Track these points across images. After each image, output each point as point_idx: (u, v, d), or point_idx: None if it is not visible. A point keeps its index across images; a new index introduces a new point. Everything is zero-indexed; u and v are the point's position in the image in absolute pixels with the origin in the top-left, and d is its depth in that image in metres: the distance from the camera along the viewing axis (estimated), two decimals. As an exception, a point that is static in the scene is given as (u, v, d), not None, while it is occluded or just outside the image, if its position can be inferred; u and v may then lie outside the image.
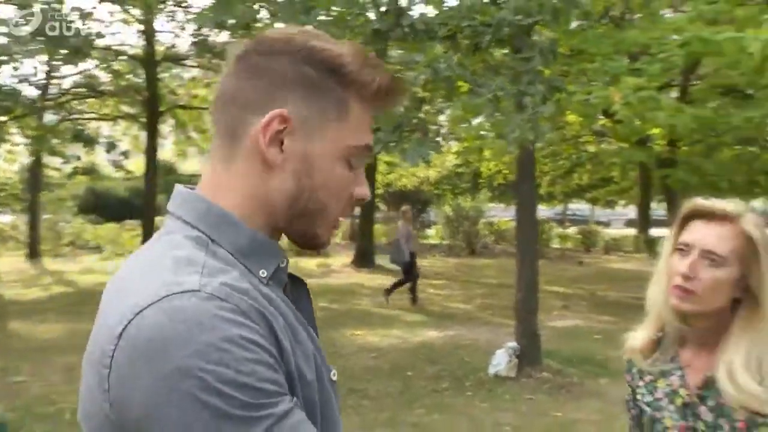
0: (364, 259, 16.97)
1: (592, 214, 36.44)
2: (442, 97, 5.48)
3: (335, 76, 0.81)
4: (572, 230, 24.28)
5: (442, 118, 18.54)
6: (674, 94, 12.67)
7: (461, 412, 5.17)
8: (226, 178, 0.82)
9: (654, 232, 20.08)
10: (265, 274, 0.81)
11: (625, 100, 8.00)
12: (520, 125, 4.11)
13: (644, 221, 20.71)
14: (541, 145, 17.97)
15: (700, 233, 1.36)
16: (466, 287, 13.03)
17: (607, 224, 34.19)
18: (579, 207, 38.07)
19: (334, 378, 0.88)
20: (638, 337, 1.50)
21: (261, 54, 0.82)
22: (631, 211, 30.96)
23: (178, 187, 0.87)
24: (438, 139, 4.81)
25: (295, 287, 0.91)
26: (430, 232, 25.34)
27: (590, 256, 20.60)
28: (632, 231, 23.64)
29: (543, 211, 33.70)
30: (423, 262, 18.56)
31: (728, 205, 1.38)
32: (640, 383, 1.50)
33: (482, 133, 9.58)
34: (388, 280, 14.38)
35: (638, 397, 1.50)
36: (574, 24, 8.66)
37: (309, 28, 0.89)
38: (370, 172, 17.15)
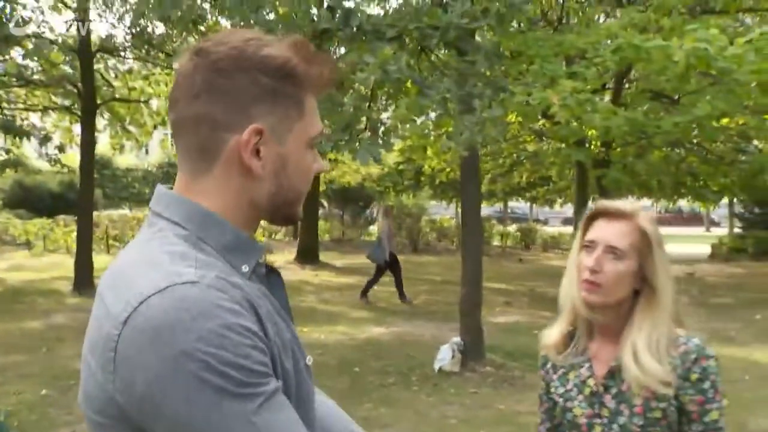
0: (308, 256, 16.91)
1: (532, 213, 37.48)
2: (388, 96, 5.55)
3: (290, 80, 0.89)
4: (512, 228, 24.90)
5: (385, 115, 18.67)
6: (608, 97, 13.19)
7: (408, 406, 5.28)
8: (204, 186, 0.89)
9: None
10: (246, 269, 0.88)
11: (562, 102, 8.32)
12: (469, 127, 4.24)
13: (580, 219, 21.44)
14: (482, 144, 18.37)
15: (603, 231, 1.49)
16: (410, 284, 13.15)
17: (545, 222, 35.26)
18: (519, 205, 39.07)
19: (309, 363, 0.95)
20: (552, 333, 1.61)
21: (218, 73, 0.86)
22: (569, 210, 31.99)
23: (161, 189, 0.93)
24: (389, 137, 4.85)
25: (270, 277, 0.98)
26: (373, 229, 25.46)
27: (530, 254, 21.21)
28: (569, 229, 24.42)
29: (484, 208, 34.41)
30: (365, 259, 18.73)
31: (626, 204, 1.52)
32: (554, 377, 1.61)
33: (426, 131, 9.73)
34: (334, 277, 14.41)
35: (551, 390, 1.61)
36: (513, 27, 8.92)
37: (248, 31, 0.94)
38: (314, 169, 17.16)
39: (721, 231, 26.87)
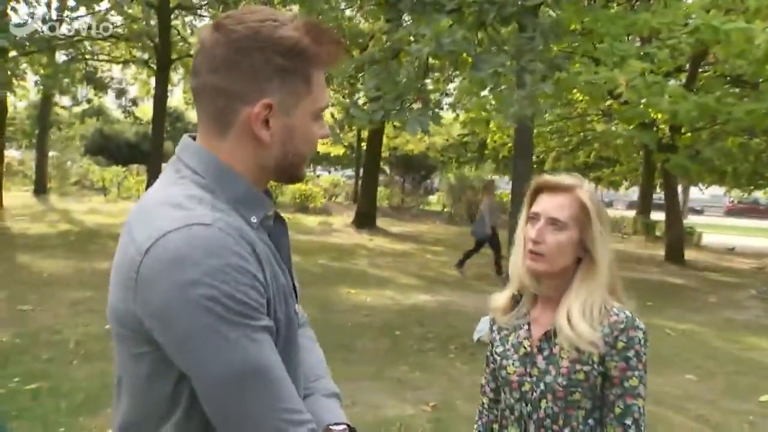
0: (365, 221, 17.17)
1: (596, 194, 36.60)
2: (454, 68, 5.59)
3: (300, 57, 1.00)
4: (572, 208, 24.38)
5: (451, 86, 18.53)
6: (683, 80, 12.70)
7: (442, 372, 5.45)
8: (220, 146, 1.02)
9: (655, 216, 20.27)
10: (255, 220, 1.02)
11: (630, 83, 8.12)
12: (519, 101, 4.27)
13: (645, 204, 20.86)
14: (549, 121, 18.05)
15: (546, 204, 1.57)
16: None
17: (609, 205, 34.38)
18: (583, 185, 38.09)
19: (297, 310, 1.11)
20: (500, 297, 1.72)
21: (235, 50, 0.98)
22: (635, 193, 31.05)
23: (187, 138, 1.07)
24: (438, 110, 4.92)
25: (277, 224, 1.12)
26: (432, 198, 25.54)
27: (587, 234, 20.84)
28: (632, 213, 23.78)
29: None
30: (422, 228, 18.89)
31: (567, 178, 1.59)
32: (497, 337, 1.71)
33: (488, 105, 9.70)
34: (388, 243, 14.67)
35: (493, 349, 1.72)
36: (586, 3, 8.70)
37: (265, 10, 1.04)
38: (377, 135, 17.22)
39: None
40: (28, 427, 3.84)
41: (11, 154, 26.01)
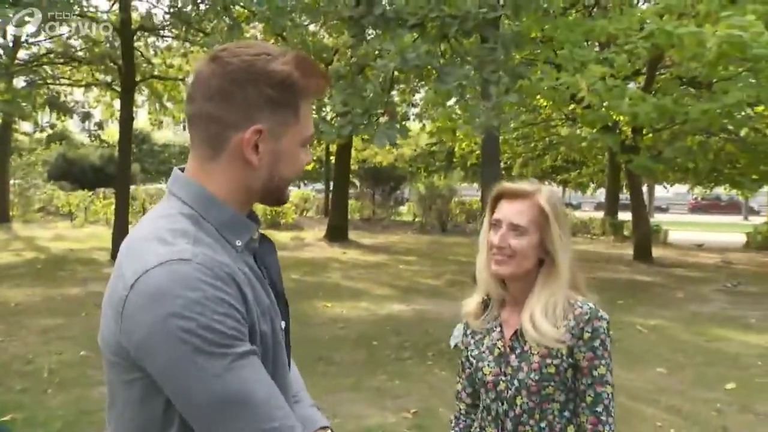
0: (337, 234, 17.18)
1: (563, 197, 37.18)
2: (417, 78, 5.70)
3: (290, 90, 1.08)
4: (541, 212, 24.72)
5: (417, 96, 18.69)
6: (642, 83, 13.05)
7: (421, 380, 5.51)
8: (211, 173, 1.09)
9: (622, 215, 20.69)
10: (240, 244, 1.09)
11: (591, 87, 8.34)
12: (485, 112, 4.38)
13: (612, 205, 21.29)
14: (515, 128, 18.34)
15: (506, 210, 1.65)
16: (436, 264, 13.39)
17: (577, 207, 34.96)
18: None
19: (283, 327, 1.16)
20: (470, 302, 1.78)
21: (230, 82, 1.05)
22: (602, 195, 31.60)
23: (176, 171, 1.14)
24: (404, 122, 5.01)
25: (263, 244, 1.19)
26: (403, 209, 25.66)
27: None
28: (601, 214, 24.22)
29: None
30: (393, 239, 18.96)
31: (525, 185, 1.67)
32: (471, 341, 1.77)
33: (453, 115, 9.85)
34: (361, 255, 14.70)
35: (468, 353, 1.77)
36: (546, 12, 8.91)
37: (259, 44, 1.12)
38: (346, 149, 17.30)
39: (761, 220, 26.30)
40: (4, 458, 3.77)
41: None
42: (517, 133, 18.83)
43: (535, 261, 1.64)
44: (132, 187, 16.00)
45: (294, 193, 26.96)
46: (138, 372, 0.99)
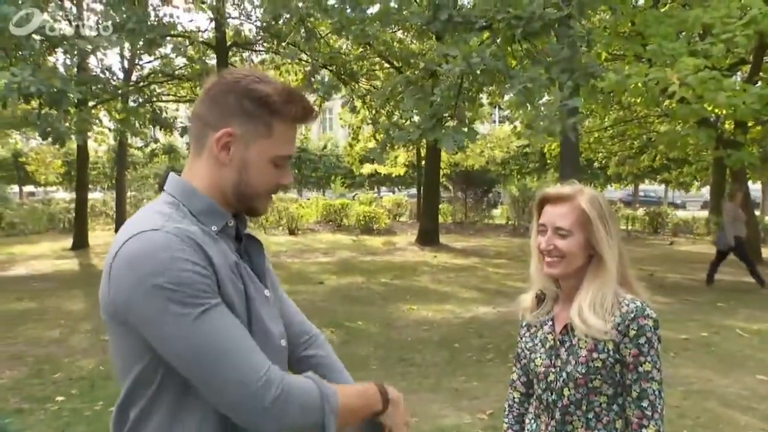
0: (428, 238, 17.24)
1: (667, 196, 35.33)
2: (489, 82, 5.72)
3: (265, 108, 1.25)
4: (640, 212, 23.72)
5: (507, 97, 18.48)
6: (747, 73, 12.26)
7: (500, 381, 5.49)
8: (195, 168, 1.30)
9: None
10: (215, 229, 1.26)
11: (682, 80, 7.96)
12: (548, 116, 4.34)
13: (717, 203, 20.01)
14: (606, 126, 17.68)
15: (550, 214, 1.73)
16: (526, 266, 12.99)
17: (681, 206, 33.12)
18: (654, 188, 36.97)
19: (267, 294, 1.32)
20: (526, 297, 1.89)
21: (219, 90, 1.26)
22: (708, 193, 29.76)
23: (172, 173, 1.35)
24: (474, 127, 5.02)
25: (252, 244, 1.37)
26: (496, 212, 25.36)
27: (658, 238, 20.20)
28: (706, 213, 22.85)
29: (612, 192, 32.95)
30: (485, 242, 18.80)
31: (566, 188, 1.74)
32: (527, 334, 1.87)
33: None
34: (451, 259, 14.71)
35: (523, 345, 1.87)
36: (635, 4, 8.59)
37: (263, 73, 1.31)
38: (435, 153, 17.35)
39: None
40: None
41: (94, 196, 27.63)
42: (612, 131, 18.15)
43: (584, 259, 1.72)
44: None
45: (387, 198, 27.32)
46: (124, 327, 1.17)
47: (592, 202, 1.70)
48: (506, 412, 1.95)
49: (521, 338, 1.89)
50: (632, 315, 1.62)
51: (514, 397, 1.94)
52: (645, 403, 1.62)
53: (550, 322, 1.81)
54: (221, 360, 1.13)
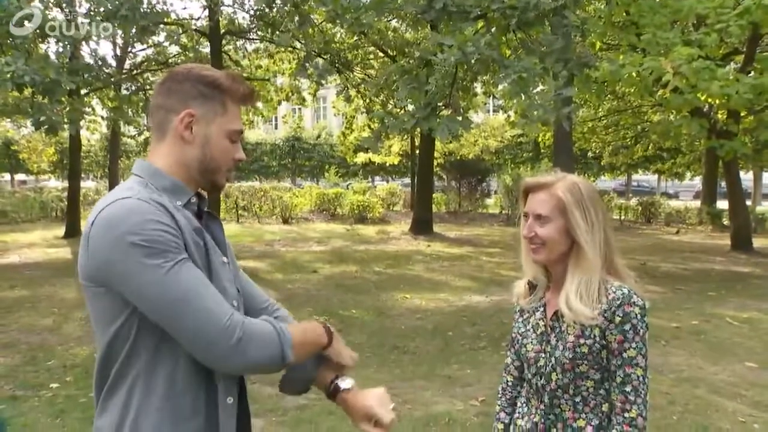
0: (422, 227, 17.24)
1: (659, 186, 35.50)
2: (482, 72, 5.71)
3: (217, 89, 1.43)
4: (633, 202, 23.80)
5: (501, 87, 18.47)
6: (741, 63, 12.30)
7: (493, 368, 5.54)
8: (159, 151, 1.45)
9: (722, 204, 19.52)
10: (179, 203, 1.40)
11: (676, 70, 7.98)
12: (543, 105, 4.35)
13: (710, 192, 20.14)
14: (600, 116, 17.71)
15: (531, 202, 1.78)
16: (520, 255, 13.18)
17: (674, 196, 33.27)
18: (647, 178, 37.12)
19: (225, 260, 1.47)
20: (520, 284, 1.93)
21: (174, 81, 1.44)
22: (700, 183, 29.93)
23: (138, 159, 1.49)
24: (468, 116, 5.03)
25: (212, 220, 1.53)
26: (490, 201, 25.39)
27: (650, 228, 20.31)
28: (698, 203, 22.98)
29: (606, 182, 33.07)
30: (479, 231, 18.85)
31: (546, 177, 1.78)
32: (520, 319, 1.92)
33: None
34: (445, 248, 14.74)
35: (516, 330, 1.92)
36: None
37: (207, 66, 1.50)
38: (429, 142, 17.33)
39: None
40: None
41: (87, 185, 27.51)
42: (605, 121, 18.19)
43: (566, 246, 1.74)
44: (226, 185, 16.82)
45: (381, 187, 27.30)
46: (103, 288, 1.31)
47: (570, 189, 1.73)
48: (500, 395, 2.00)
49: (515, 323, 1.93)
50: (618, 302, 1.65)
51: (507, 381, 1.98)
52: (628, 388, 1.65)
53: (542, 308, 1.84)
54: (193, 305, 1.28)
